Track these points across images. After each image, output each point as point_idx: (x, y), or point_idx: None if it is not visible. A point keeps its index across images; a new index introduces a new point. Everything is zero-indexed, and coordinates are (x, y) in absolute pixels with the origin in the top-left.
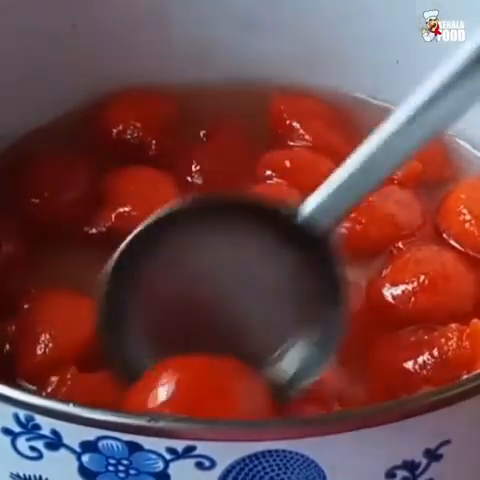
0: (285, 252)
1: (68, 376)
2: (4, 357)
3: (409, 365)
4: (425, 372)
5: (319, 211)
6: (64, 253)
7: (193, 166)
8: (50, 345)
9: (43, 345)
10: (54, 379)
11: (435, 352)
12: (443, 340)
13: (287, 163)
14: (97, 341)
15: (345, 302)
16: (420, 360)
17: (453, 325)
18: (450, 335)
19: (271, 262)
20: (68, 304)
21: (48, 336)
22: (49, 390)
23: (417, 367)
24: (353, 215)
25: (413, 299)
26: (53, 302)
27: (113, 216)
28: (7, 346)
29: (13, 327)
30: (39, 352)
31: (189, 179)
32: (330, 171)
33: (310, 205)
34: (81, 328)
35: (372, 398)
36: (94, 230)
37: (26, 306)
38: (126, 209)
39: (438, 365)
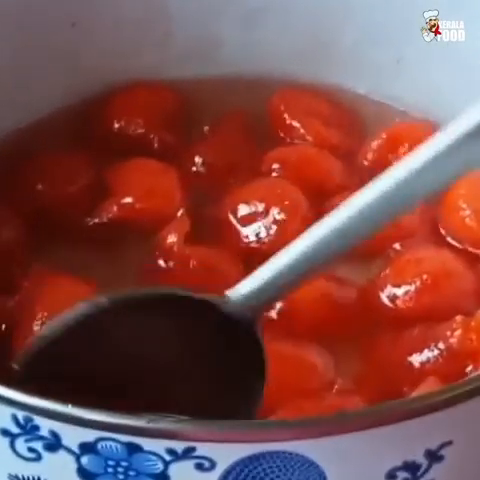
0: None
1: None
2: (1, 336)
3: (413, 359)
4: (430, 365)
5: (251, 296)
6: (65, 241)
7: (196, 160)
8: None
9: (40, 326)
10: None
11: (441, 345)
12: (448, 332)
13: (294, 158)
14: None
15: (265, 380)
16: (425, 353)
17: (458, 317)
18: (455, 326)
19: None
20: (67, 287)
21: (45, 316)
22: None
23: (422, 361)
24: None
25: (416, 299)
26: (52, 284)
27: (115, 208)
28: (3, 326)
29: (11, 307)
30: (35, 333)
31: (193, 169)
32: (334, 168)
33: (241, 290)
34: None
35: (375, 394)
36: (96, 220)
37: (25, 289)
38: (128, 201)
39: (444, 358)
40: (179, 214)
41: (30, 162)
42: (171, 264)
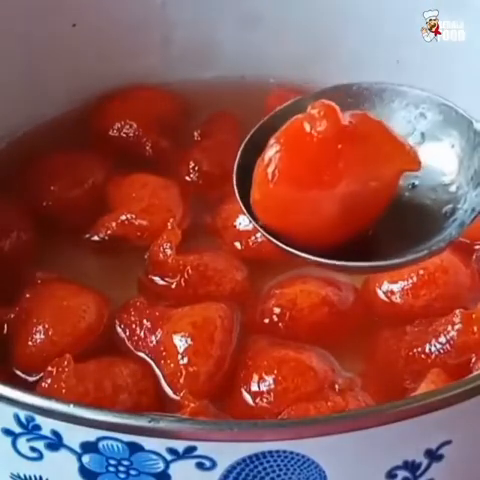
0: None
1: (64, 364)
2: (3, 340)
3: (416, 354)
4: (433, 359)
5: None
6: (68, 250)
7: (190, 167)
8: (42, 337)
9: (36, 336)
10: (52, 369)
11: (442, 339)
12: (449, 326)
13: None
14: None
15: None
16: (427, 348)
17: (457, 311)
18: (456, 320)
19: None
20: (66, 297)
21: (42, 327)
22: (49, 381)
23: (424, 355)
24: None
25: (414, 295)
26: (53, 294)
27: (114, 224)
28: (5, 330)
29: (12, 315)
30: (31, 343)
31: (188, 178)
32: None
33: None
34: (76, 322)
35: (380, 392)
36: (96, 237)
37: (27, 295)
38: (128, 217)
39: (446, 351)
40: (169, 225)
41: (32, 166)
42: (168, 277)
